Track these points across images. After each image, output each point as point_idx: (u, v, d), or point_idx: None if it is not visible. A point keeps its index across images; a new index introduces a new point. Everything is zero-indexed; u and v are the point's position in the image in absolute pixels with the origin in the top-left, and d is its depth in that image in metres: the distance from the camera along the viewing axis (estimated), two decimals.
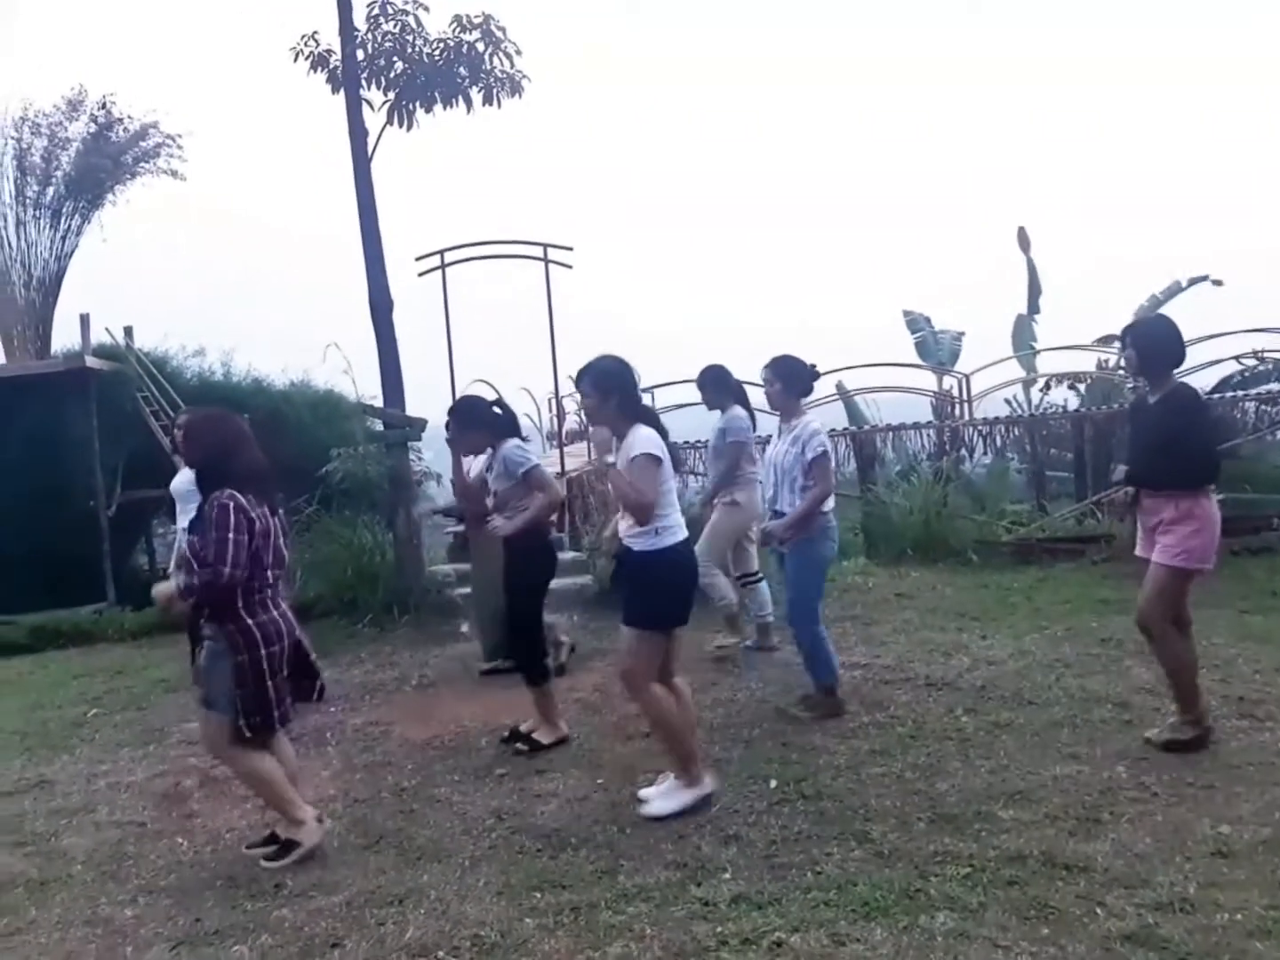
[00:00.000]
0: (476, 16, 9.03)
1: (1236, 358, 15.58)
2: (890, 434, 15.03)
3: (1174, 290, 19.25)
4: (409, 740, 5.31)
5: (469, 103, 9.22)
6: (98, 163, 16.23)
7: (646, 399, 5.77)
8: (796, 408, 5.18)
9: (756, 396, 6.11)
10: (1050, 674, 5.53)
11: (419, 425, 8.69)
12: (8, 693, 7.48)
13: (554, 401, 15.87)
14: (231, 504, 3.67)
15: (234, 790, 4.73)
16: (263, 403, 13.65)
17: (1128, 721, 4.67)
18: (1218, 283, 18.92)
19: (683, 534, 4.02)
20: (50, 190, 16.31)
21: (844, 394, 17.65)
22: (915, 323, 21.06)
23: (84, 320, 14.22)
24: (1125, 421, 4.86)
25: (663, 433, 4.02)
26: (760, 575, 6.46)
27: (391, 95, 9.16)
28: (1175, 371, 4.36)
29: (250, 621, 3.74)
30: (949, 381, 17.39)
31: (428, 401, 9.40)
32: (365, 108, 8.96)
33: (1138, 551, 4.45)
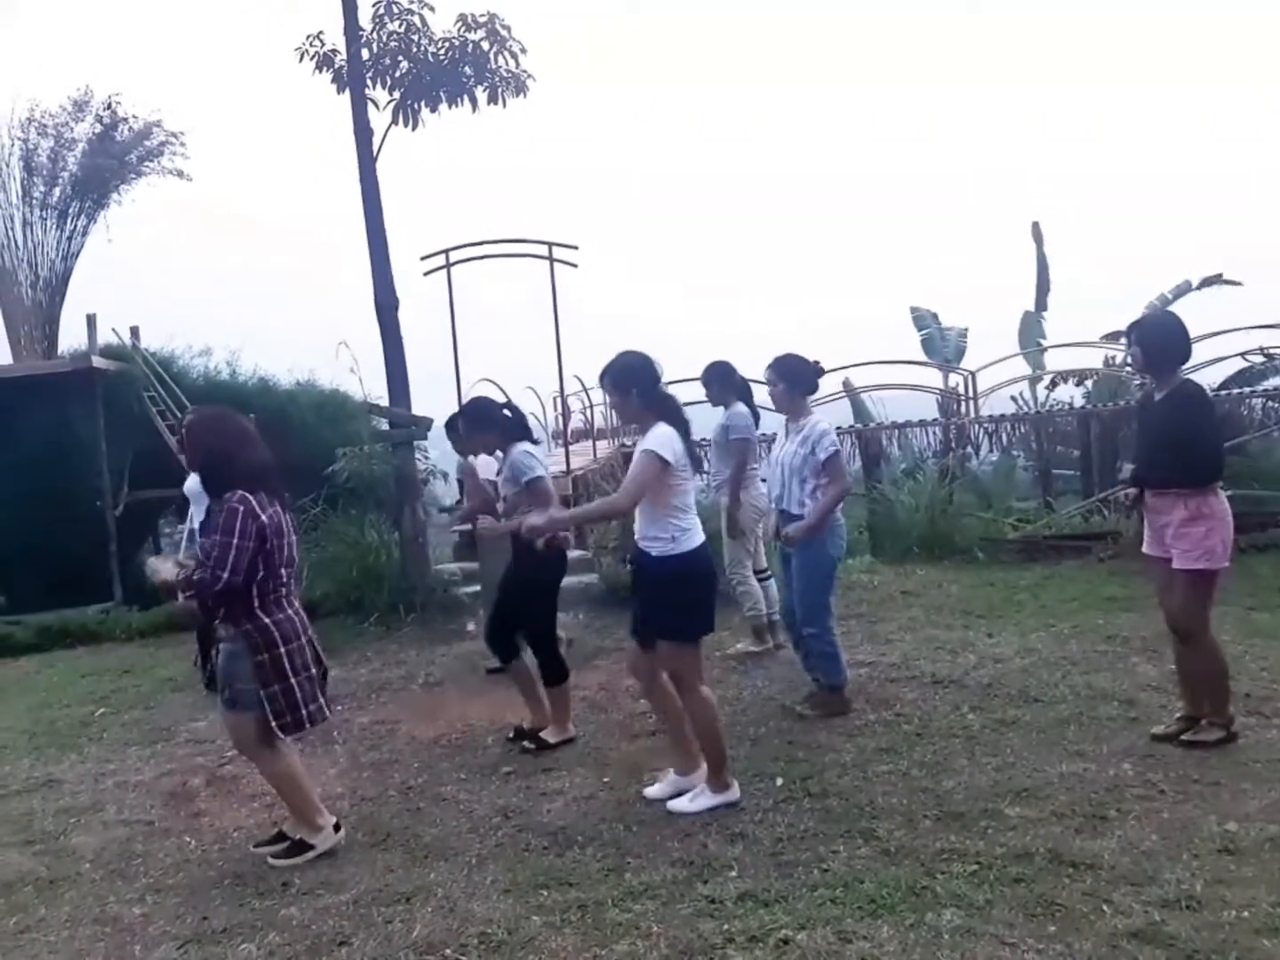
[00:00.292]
0: (481, 16, 9.02)
1: (1243, 354, 15.55)
2: (896, 431, 15.03)
3: (1183, 289, 19.20)
4: (416, 738, 5.32)
5: (474, 102, 9.22)
6: (103, 163, 16.28)
7: None
8: (803, 407, 5.14)
9: (761, 394, 6.10)
10: (1057, 671, 5.53)
11: (424, 424, 8.70)
12: (16, 692, 7.50)
13: (559, 400, 15.89)
14: (242, 508, 3.64)
15: (241, 789, 4.75)
16: (269, 402, 13.71)
17: (1134, 719, 4.66)
18: (1233, 283, 18.86)
19: (700, 537, 3.96)
20: (57, 191, 16.38)
21: (851, 391, 17.66)
22: (922, 319, 21.06)
23: (90, 320, 14.27)
24: (1132, 419, 4.84)
25: (685, 428, 3.94)
26: (769, 573, 6.46)
27: (397, 95, 9.16)
28: (1181, 368, 4.34)
29: (267, 620, 3.73)
30: (955, 379, 17.38)
31: (433, 401, 9.42)
32: (370, 107, 8.96)
33: (1145, 549, 4.42)
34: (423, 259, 10.62)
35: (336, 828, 3.96)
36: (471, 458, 6.33)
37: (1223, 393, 14.24)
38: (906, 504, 9.75)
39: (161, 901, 3.65)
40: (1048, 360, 19.22)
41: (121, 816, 4.59)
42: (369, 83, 9.01)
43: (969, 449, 14.72)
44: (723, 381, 6.31)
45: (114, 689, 7.19)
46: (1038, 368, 19.01)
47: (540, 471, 4.92)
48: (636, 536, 4.05)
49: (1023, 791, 3.92)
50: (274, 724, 3.75)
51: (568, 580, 8.43)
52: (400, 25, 9.01)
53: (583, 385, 16.00)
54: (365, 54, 8.93)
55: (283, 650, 3.75)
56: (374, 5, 8.95)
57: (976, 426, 15.11)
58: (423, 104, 9.19)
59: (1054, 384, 17.75)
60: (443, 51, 9.04)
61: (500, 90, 9.19)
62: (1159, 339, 4.29)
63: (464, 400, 6.70)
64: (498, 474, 5.17)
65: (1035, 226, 21.18)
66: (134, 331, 15.02)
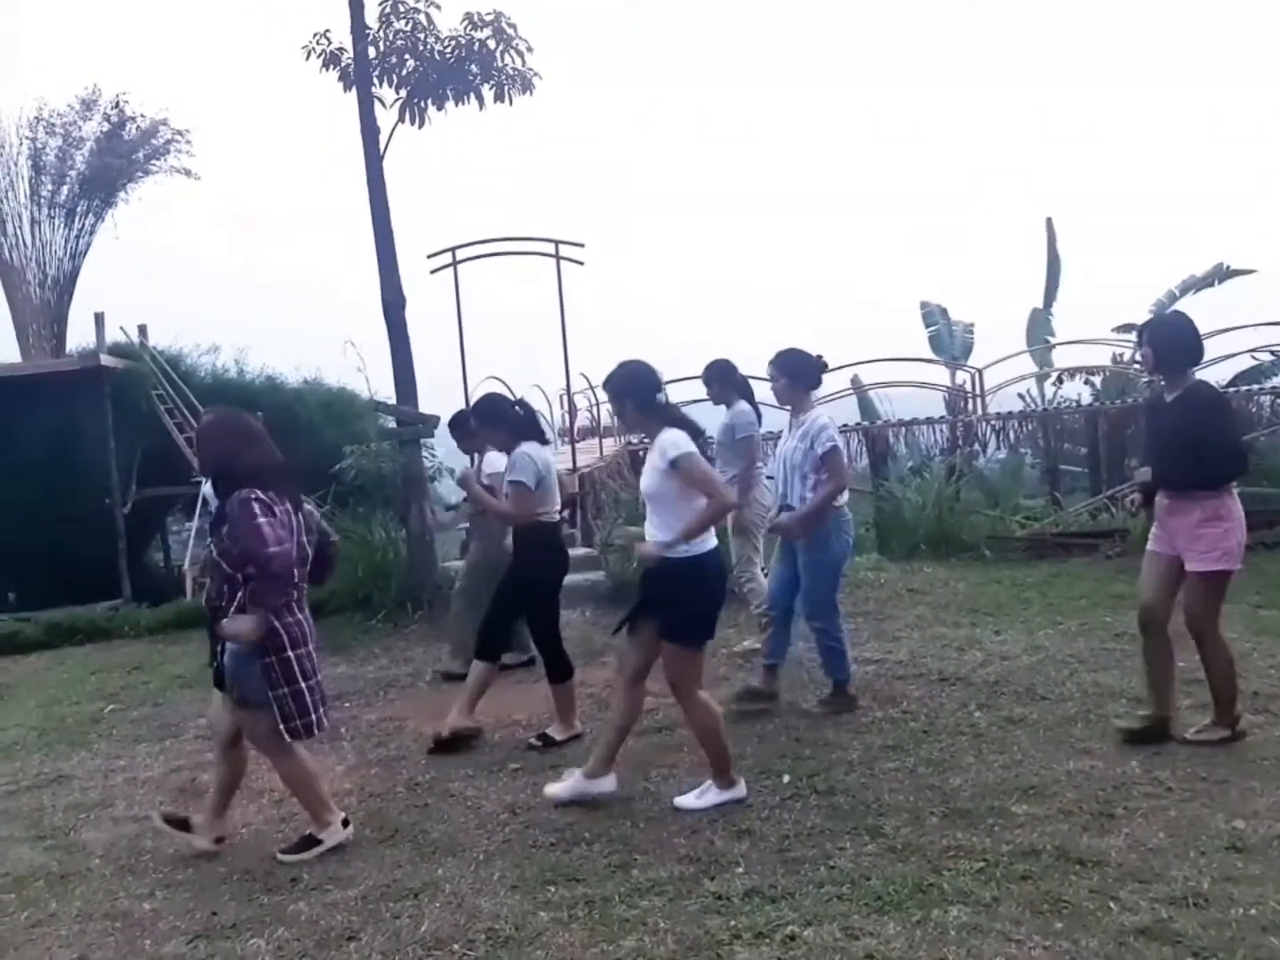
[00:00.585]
0: (488, 14, 9.03)
1: (1252, 351, 15.50)
2: (903, 429, 15.01)
3: (1189, 284, 19.14)
4: (423, 735, 5.33)
5: (480, 100, 9.22)
6: (111, 161, 16.35)
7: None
8: (805, 402, 5.13)
9: (764, 391, 6.09)
10: (1064, 669, 5.52)
11: (432, 422, 8.72)
12: (26, 689, 7.54)
13: (566, 398, 15.91)
14: (251, 497, 3.64)
15: (249, 785, 4.76)
16: (276, 400, 13.76)
17: (1141, 717, 4.65)
18: (1241, 271, 18.77)
19: (713, 541, 3.96)
20: (64, 189, 16.44)
21: (858, 388, 17.63)
22: (931, 315, 21.01)
23: (99, 319, 14.33)
24: (1140, 417, 4.82)
25: (692, 430, 3.96)
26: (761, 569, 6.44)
27: (403, 93, 9.17)
28: (1193, 369, 4.32)
29: (278, 623, 3.71)
30: (962, 376, 17.35)
31: (440, 400, 9.43)
32: (377, 105, 8.98)
33: (1150, 546, 4.39)
34: (429, 257, 10.64)
35: (345, 823, 3.97)
36: (476, 455, 6.35)
37: (1231, 390, 14.19)
38: (913, 501, 9.75)
39: (171, 896, 3.66)
40: (1056, 357, 19.17)
41: (131, 812, 4.61)
42: (375, 81, 9.01)
43: (976, 446, 14.70)
44: (724, 380, 6.30)
45: (123, 685, 7.22)
46: (1045, 365, 18.96)
47: (524, 479, 4.85)
48: (647, 537, 4.04)
49: (1030, 789, 3.92)
50: (282, 728, 3.74)
51: (574, 578, 8.45)
52: (407, 24, 9.01)
53: (589, 383, 16.03)
54: (372, 52, 8.94)
55: (292, 654, 3.73)
56: (380, 4, 8.95)
57: (984, 424, 15.09)
58: (429, 102, 9.19)
59: (1060, 380, 17.71)
60: (449, 50, 9.04)
61: (507, 88, 9.18)
62: (1170, 340, 4.27)
63: (471, 398, 6.71)
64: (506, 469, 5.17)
65: (1049, 223, 21.11)
66: (142, 330, 15.07)
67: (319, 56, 9.06)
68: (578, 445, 14.35)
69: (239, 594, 3.73)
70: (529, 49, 9.14)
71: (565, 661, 5.05)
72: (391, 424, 9.50)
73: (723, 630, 6.55)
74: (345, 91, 9.03)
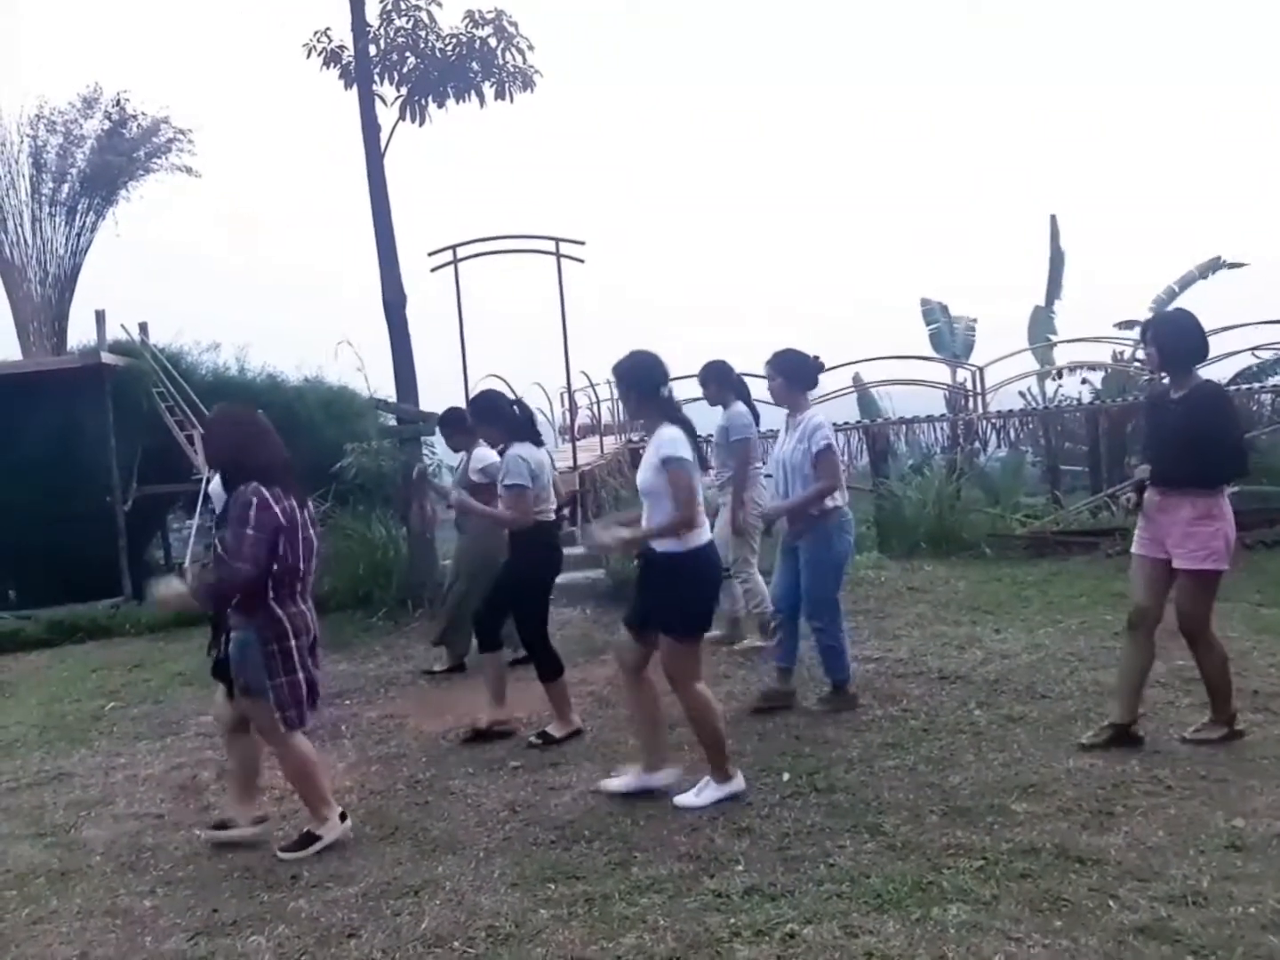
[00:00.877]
0: (489, 12, 9.03)
1: (1254, 349, 15.49)
2: (903, 427, 15.00)
3: (1189, 280, 19.11)
4: (423, 733, 5.34)
5: (481, 97, 9.23)
6: (112, 159, 16.32)
7: None
8: (802, 402, 5.13)
9: (760, 390, 6.09)
10: (1064, 667, 5.52)
11: (432, 420, 8.72)
12: (27, 687, 7.55)
13: (566, 396, 15.90)
14: (255, 499, 3.69)
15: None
16: (277, 399, 13.73)
17: (1141, 714, 4.64)
18: (1235, 265, 18.75)
19: (708, 535, 4.01)
20: (65, 187, 16.41)
21: (860, 386, 17.62)
22: (931, 313, 20.97)
23: (99, 316, 14.31)
24: (1140, 415, 4.80)
25: (688, 429, 3.99)
26: (730, 573, 6.42)
27: (404, 90, 9.18)
28: (1198, 367, 4.31)
29: (281, 612, 3.78)
30: (963, 374, 17.34)
31: (440, 399, 9.43)
32: (378, 103, 8.98)
33: (1136, 549, 4.35)
34: (430, 254, 10.63)
35: (343, 817, 3.99)
36: (465, 454, 6.36)
37: (1232, 388, 14.17)
38: (914, 500, 9.75)
39: (171, 894, 3.67)
40: (1057, 356, 19.15)
41: (132, 810, 4.62)
42: (376, 78, 9.02)
43: (977, 444, 14.69)
44: (720, 381, 6.31)
45: (124, 683, 7.24)
46: (1047, 363, 18.94)
47: (521, 482, 4.87)
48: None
49: (1029, 787, 3.92)
50: (278, 716, 3.79)
51: (574, 575, 8.48)
52: (408, 21, 9.02)
53: (589, 381, 16.02)
54: (372, 50, 8.95)
55: (293, 644, 3.79)
56: (381, 1, 8.96)
57: (984, 422, 15.07)
58: (430, 100, 9.20)
59: (1060, 374, 17.70)
60: (450, 47, 9.05)
61: (507, 85, 9.20)
62: (1175, 338, 4.26)
63: (471, 396, 6.70)
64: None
65: (1053, 220, 21.06)
66: (143, 328, 15.05)
67: (320, 54, 9.07)
68: (578, 443, 14.34)
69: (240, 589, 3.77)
70: (530, 47, 9.15)
71: (554, 659, 5.05)
72: (392, 422, 9.50)
73: (721, 629, 6.59)
74: (346, 89, 9.04)
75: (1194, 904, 2.98)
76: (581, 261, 11.04)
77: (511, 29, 9.05)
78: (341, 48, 9.03)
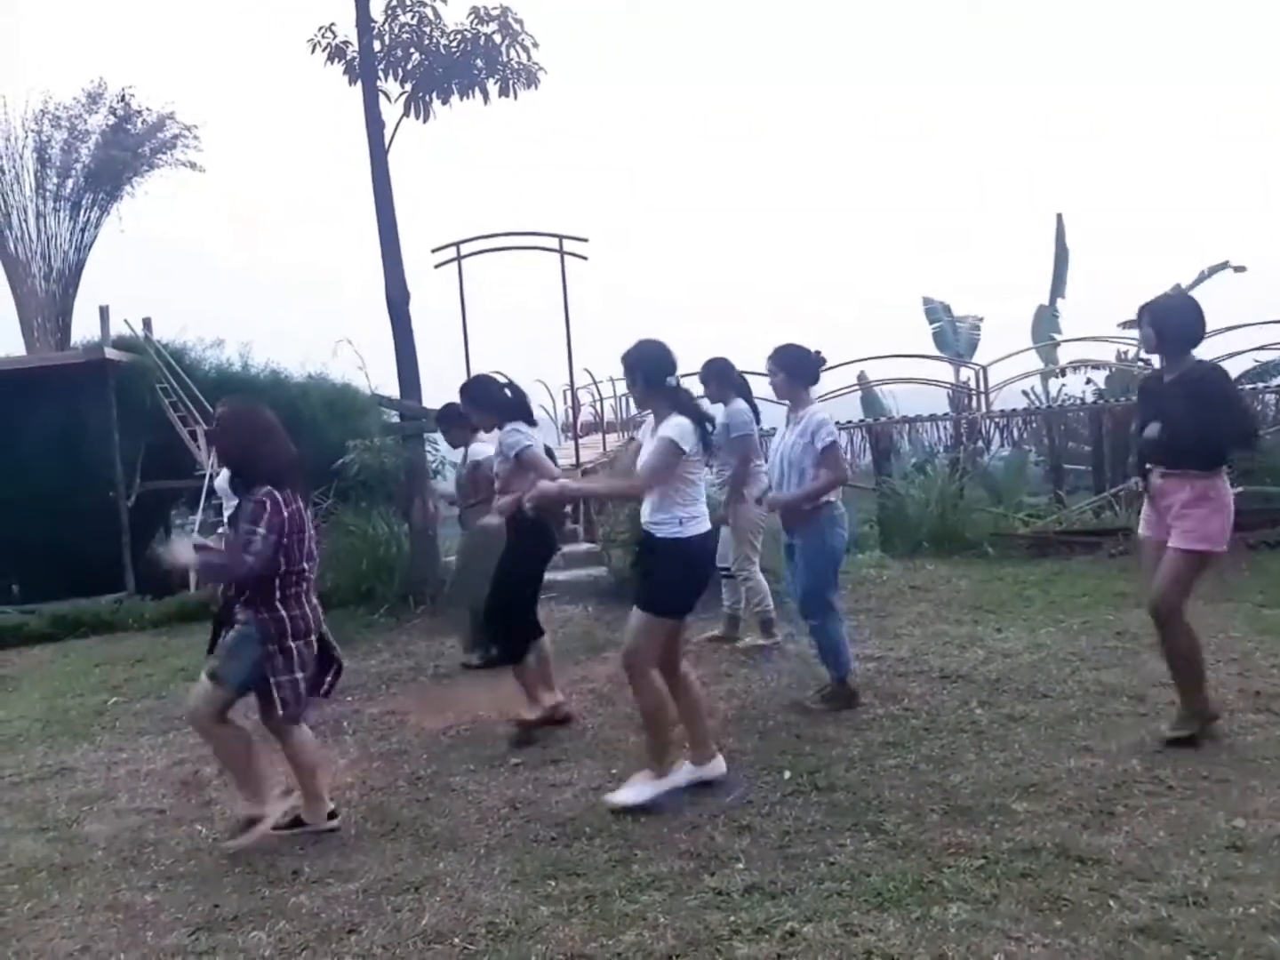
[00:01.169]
0: (494, 9, 9.03)
1: (1256, 349, 15.45)
2: (906, 426, 14.99)
3: (1199, 280, 19.05)
4: (425, 729, 5.34)
5: (485, 94, 9.22)
6: (117, 155, 16.35)
7: None
8: (804, 397, 5.12)
9: (762, 387, 6.10)
10: (1065, 667, 5.52)
11: (435, 416, 8.73)
12: (30, 681, 7.57)
13: (569, 393, 15.91)
14: (269, 501, 3.76)
15: None
16: (280, 395, 13.74)
17: (1143, 715, 4.65)
18: (1239, 269, 18.72)
19: (706, 525, 4.04)
20: (70, 183, 16.45)
21: (864, 385, 17.62)
22: (934, 311, 20.93)
23: (103, 312, 14.35)
24: (1137, 399, 4.77)
25: (699, 418, 4.00)
26: (729, 571, 6.43)
27: (408, 87, 9.18)
28: (1193, 350, 4.29)
29: (284, 613, 3.83)
30: (966, 373, 17.31)
31: (443, 397, 9.43)
32: (382, 99, 8.98)
33: (1142, 530, 4.39)
34: (434, 251, 10.65)
35: (332, 815, 4.05)
36: (463, 448, 6.36)
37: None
38: (917, 498, 9.73)
39: (173, 889, 3.68)
40: (1061, 355, 19.11)
41: (134, 804, 4.63)
42: (380, 75, 9.02)
43: (980, 444, 14.67)
44: (721, 379, 6.31)
45: (127, 678, 7.24)
46: (1050, 362, 18.90)
47: (528, 441, 4.90)
48: (643, 519, 4.10)
49: (1030, 787, 3.92)
50: (280, 712, 3.85)
51: (577, 573, 8.49)
52: (412, 17, 9.02)
53: (592, 379, 16.03)
54: (377, 46, 8.95)
55: (292, 644, 3.85)
56: None
57: (988, 421, 15.05)
58: (434, 96, 9.20)
59: (1063, 373, 17.66)
60: (454, 44, 9.05)
61: (511, 82, 9.20)
62: (1171, 320, 4.23)
63: (462, 385, 6.69)
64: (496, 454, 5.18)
65: (1059, 219, 20.99)
66: (146, 323, 15.07)
67: (324, 50, 9.08)
68: (581, 440, 14.36)
69: (247, 587, 3.84)
70: (534, 44, 9.15)
71: (520, 645, 5.04)
72: (395, 418, 9.51)
73: (721, 628, 6.59)
74: (350, 85, 9.05)
75: (1194, 904, 2.97)
76: (585, 259, 11.05)
77: (516, 26, 9.06)
78: (346, 43, 9.03)
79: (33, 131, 16.28)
